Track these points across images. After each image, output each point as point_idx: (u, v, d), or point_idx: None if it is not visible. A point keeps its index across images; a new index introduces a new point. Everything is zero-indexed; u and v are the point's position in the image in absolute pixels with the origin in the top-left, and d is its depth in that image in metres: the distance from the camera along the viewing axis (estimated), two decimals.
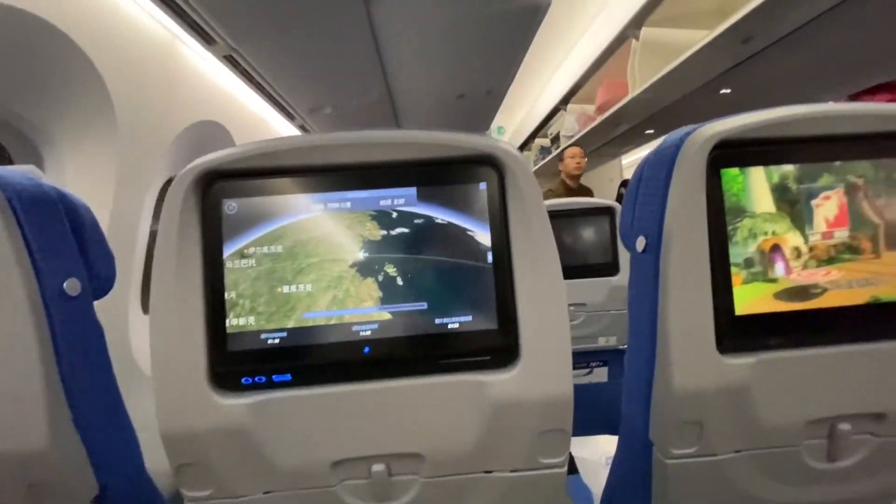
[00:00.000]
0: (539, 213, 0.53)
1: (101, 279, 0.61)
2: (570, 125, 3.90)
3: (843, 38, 1.97)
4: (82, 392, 0.55)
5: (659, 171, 0.55)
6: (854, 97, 3.18)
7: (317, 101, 1.95)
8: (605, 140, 3.93)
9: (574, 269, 1.50)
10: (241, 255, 0.52)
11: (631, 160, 5.70)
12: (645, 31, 2.57)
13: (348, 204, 0.54)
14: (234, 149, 0.54)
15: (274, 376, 0.52)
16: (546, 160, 4.59)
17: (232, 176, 0.53)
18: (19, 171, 0.56)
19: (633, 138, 3.94)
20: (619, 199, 4.73)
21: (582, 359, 1.63)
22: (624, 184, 4.81)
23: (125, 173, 1.37)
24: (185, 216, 0.52)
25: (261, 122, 2.02)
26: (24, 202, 0.52)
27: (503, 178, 0.54)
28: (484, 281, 0.53)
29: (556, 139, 4.32)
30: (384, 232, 0.53)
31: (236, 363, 0.52)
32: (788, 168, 0.53)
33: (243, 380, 0.52)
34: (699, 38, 2.03)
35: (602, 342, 1.58)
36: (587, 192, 3.40)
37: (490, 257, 0.53)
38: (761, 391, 0.52)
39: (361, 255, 0.53)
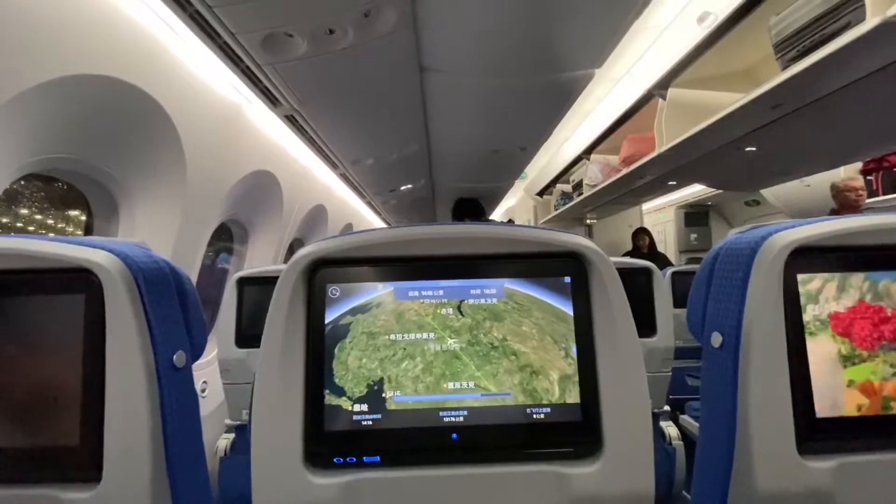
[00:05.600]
0: (622, 308, 0.56)
1: (196, 346, 0.66)
2: (594, 174, 3.98)
3: (869, 104, 2.02)
4: (179, 458, 0.58)
5: (734, 271, 0.59)
6: (881, 159, 3.20)
7: (360, 154, 2.06)
8: (628, 189, 3.99)
9: None
10: (340, 329, 0.56)
11: (650, 206, 5.77)
12: (672, 92, 2.66)
13: (441, 292, 0.58)
14: (338, 240, 0.58)
15: (364, 457, 0.55)
16: (567, 206, 4.66)
17: (335, 263, 0.58)
18: (133, 245, 0.61)
19: (654, 188, 4.00)
20: (635, 250, 4.72)
21: None
22: (636, 234, 4.81)
23: (188, 218, 1.45)
24: (294, 300, 0.56)
25: (306, 171, 2.13)
26: (146, 279, 0.57)
27: (587, 273, 0.58)
28: (569, 373, 0.56)
29: (578, 186, 4.40)
30: (455, 311, 0.57)
31: (330, 442, 0.54)
32: (861, 275, 0.56)
33: (335, 459, 0.54)
34: (725, 99, 2.10)
35: None
36: None
37: (575, 350, 0.56)
38: (844, 495, 0.53)
39: (450, 344, 0.56)
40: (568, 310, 0.57)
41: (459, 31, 1.32)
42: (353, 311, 0.57)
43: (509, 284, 0.57)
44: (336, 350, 0.56)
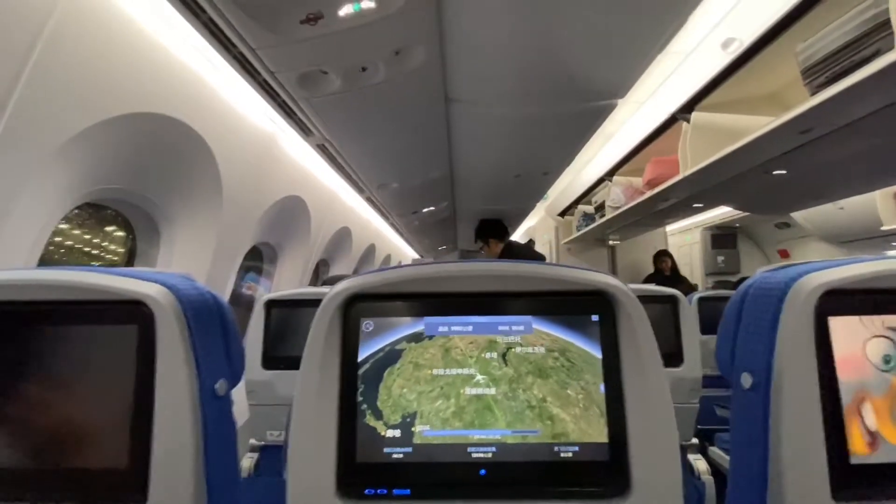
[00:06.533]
0: (651, 348, 0.57)
1: (234, 374, 0.69)
2: (617, 196, 3.95)
3: None
4: (218, 482, 0.61)
5: (764, 312, 0.58)
6: None
7: (386, 179, 2.12)
8: (651, 211, 3.95)
9: None
10: (393, 354, 0.58)
11: (675, 227, 5.67)
12: (696, 115, 2.65)
13: (470, 328, 0.60)
14: (372, 275, 0.61)
15: (395, 490, 0.56)
16: (590, 227, 4.62)
17: (369, 298, 0.61)
18: (180, 276, 0.65)
19: (679, 211, 3.94)
20: (657, 273, 4.63)
21: None
22: (658, 256, 4.72)
23: (222, 242, 1.52)
24: (331, 333, 0.59)
25: (333, 195, 2.20)
26: (194, 310, 0.60)
27: (614, 311, 0.59)
28: (596, 411, 0.56)
29: (600, 207, 4.38)
30: (499, 358, 0.58)
31: (361, 474, 0.56)
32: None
33: (367, 491, 0.56)
34: (751, 122, 2.08)
35: None
36: None
37: (602, 388, 0.57)
38: None
39: (486, 391, 0.57)
40: (595, 349, 0.58)
41: (485, 64, 1.37)
42: (409, 339, 0.59)
43: (537, 324, 0.59)
44: (385, 374, 0.58)
